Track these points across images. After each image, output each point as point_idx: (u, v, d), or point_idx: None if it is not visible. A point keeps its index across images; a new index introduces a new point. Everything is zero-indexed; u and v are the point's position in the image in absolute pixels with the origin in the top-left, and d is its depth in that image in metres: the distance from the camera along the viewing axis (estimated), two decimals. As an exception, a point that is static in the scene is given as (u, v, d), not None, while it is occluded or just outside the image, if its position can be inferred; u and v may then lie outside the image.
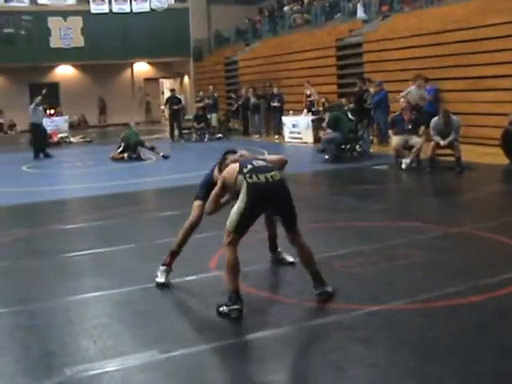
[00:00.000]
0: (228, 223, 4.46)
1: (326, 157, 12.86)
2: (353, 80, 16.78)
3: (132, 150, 15.08)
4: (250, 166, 4.48)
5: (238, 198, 4.49)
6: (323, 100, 17.26)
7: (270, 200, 4.48)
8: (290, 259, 5.50)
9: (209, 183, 5.12)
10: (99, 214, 8.47)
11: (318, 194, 9.84)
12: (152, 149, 15.32)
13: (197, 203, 5.18)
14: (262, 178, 4.41)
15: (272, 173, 4.47)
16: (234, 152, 5.04)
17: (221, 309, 4.37)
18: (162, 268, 5.19)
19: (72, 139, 21.96)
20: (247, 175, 4.43)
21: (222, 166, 4.94)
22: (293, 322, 4.23)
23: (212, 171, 5.21)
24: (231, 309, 4.34)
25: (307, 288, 4.90)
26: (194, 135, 20.24)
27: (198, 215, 5.15)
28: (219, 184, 4.67)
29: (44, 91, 16.92)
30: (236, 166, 4.59)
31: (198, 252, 6.09)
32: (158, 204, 9.53)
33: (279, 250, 5.62)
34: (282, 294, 4.90)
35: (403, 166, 11.03)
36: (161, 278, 5.14)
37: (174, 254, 5.24)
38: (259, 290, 4.93)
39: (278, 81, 21.14)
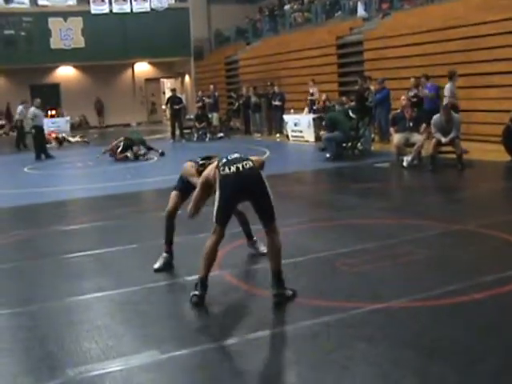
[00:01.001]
0: (213, 214, 4.64)
1: (328, 155, 12.86)
2: (354, 78, 16.80)
3: (137, 147, 15.16)
4: (224, 160, 4.64)
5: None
6: (324, 97, 17.25)
7: (242, 188, 4.55)
8: (264, 249, 5.50)
9: (184, 180, 5.53)
10: (100, 215, 8.48)
11: (319, 192, 9.84)
12: (150, 148, 15.47)
13: (173, 194, 5.64)
14: (233, 168, 4.55)
15: (244, 162, 4.58)
16: (209, 158, 5.24)
17: (191, 293, 4.60)
18: (164, 255, 5.57)
19: (70, 139, 22.02)
20: (221, 168, 4.58)
21: (202, 170, 5.05)
22: (294, 321, 4.23)
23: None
24: (192, 294, 4.59)
25: (308, 286, 4.90)
26: (196, 135, 20.25)
27: (172, 205, 5.58)
28: (199, 187, 4.85)
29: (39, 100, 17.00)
30: (214, 165, 4.73)
31: (201, 251, 6.08)
32: (159, 204, 9.47)
33: (254, 238, 5.81)
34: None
35: (404, 164, 11.01)
36: (157, 263, 5.51)
37: (168, 242, 5.61)
38: (260, 289, 4.92)
39: (278, 79, 21.14)
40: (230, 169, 4.54)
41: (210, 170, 4.80)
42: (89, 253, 6.39)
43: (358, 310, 4.32)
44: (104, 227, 7.72)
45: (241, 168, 4.54)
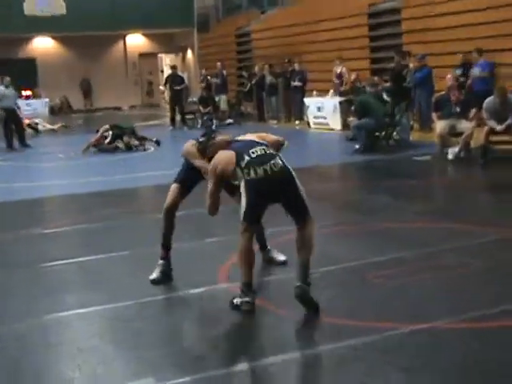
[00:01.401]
0: (240, 213, 4.73)
1: (357, 146, 12.83)
2: (389, 54, 16.74)
3: (128, 137, 15.20)
4: (247, 158, 4.72)
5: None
6: (353, 77, 17.21)
7: (273, 194, 4.73)
8: (282, 258, 5.81)
9: (187, 165, 5.54)
10: (86, 216, 8.51)
11: (346, 190, 9.82)
12: (143, 138, 15.52)
13: (173, 187, 5.61)
14: (260, 171, 4.65)
15: (272, 161, 4.71)
16: (213, 133, 5.35)
17: (235, 300, 4.77)
18: (160, 262, 5.58)
19: (44, 126, 21.46)
20: (245, 171, 4.69)
21: (207, 150, 5.17)
22: (315, 343, 4.23)
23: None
24: (242, 301, 4.73)
25: (333, 302, 4.89)
26: (200, 121, 20.29)
27: (172, 200, 5.56)
28: (214, 180, 4.89)
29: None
30: (231, 155, 4.80)
31: (206, 260, 6.10)
32: (155, 204, 9.51)
33: (269, 247, 5.88)
34: (302, 309, 4.87)
35: (450, 157, 10.97)
36: (153, 274, 5.52)
37: (166, 246, 5.62)
38: (276, 306, 4.92)
39: (299, 55, 21.12)
40: (256, 172, 4.66)
41: (225, 162, 4.81)
42: (71, 261, 6.41)
43: (393, 331, 4.30)
44: (90, 230, 7.74)
45: (269, 171, 4.67)
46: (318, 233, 6.78)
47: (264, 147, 4.85)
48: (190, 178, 5.55)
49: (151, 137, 15.83)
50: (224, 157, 4.87)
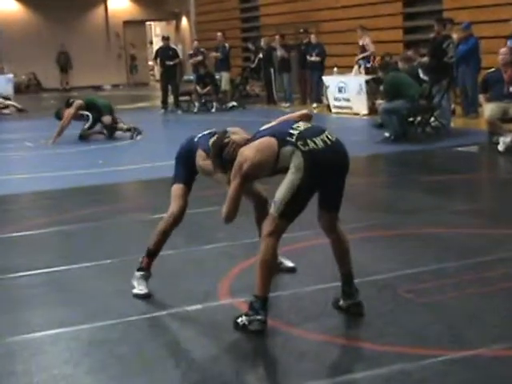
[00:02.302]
0: (273, 206, 4.70)
1: (387, 134, 12.83)
2: (427, 22, 16.69)
3: (108, 117, 15.14)
4: (295, 132, 4.68)
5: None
6: (382, 53, 17.21)
7: (334, 168, 4.77)
8: (290, 264, 5.92)
9: (184, 157, 5.52)
10: (58, 217, 8.52)
11: (374, 187, 9.82)
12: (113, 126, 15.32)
13: (177, 188, 5.56)
14: (319, 142, 4.67)
15: (326, 132, 4.77)
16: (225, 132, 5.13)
17: (239, 320, 4.77)
18: (138, 274, 5.59)
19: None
20: (299, 143, 4.63)
21: (223, 151, 4.95)
22: (339, 372, 4.22)
23: (191, 141, 5.55)
24: (252, 319, 4.71)
25: (360, 323, 4.89)
26: (197, 103, 20.30)
27: (181, 206, 5.51)
28: (239, 180, 4.74)
29: None
30: (267, 142, 4.70)
31: (205, 271, 6.11)
32: (141, 202, 9.56)
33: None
34: (321, 330, 4.88)
35: (501, 148, 10.95)
36: (139, 288, 5.53)
37: (152, 255, 5.62)
38: (289, 324, 4.93)
39: (316, 25, 21.11)
40: (315, 143, 4.65)
41: (252, 152, 4.70)
42: (41, 271, 6.40)
43: (432, 359, 4.28)
44: (64, 234, 7.75)
45: (329, 142, 4.71)
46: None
47: (303, 123, 4.86)
48: (191, 174, 5.56)
49: (128, 124, 15.50)
50: (254, 149, 4.72)
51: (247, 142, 4.90)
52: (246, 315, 4.76)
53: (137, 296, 5.51)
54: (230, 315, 4.96)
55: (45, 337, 4.99)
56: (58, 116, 15.21)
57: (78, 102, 15.28)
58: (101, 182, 10.50)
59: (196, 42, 22.77)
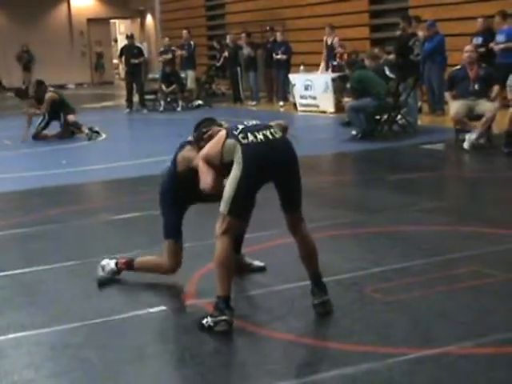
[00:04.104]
0: (222, 205, 4.81)
1: (354, 132, 12.86)
2: (393, 19, 16.77)
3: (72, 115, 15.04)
4: (240, 126, 4.88)
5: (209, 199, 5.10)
6: (349, 51, 17.26)
7: (273, 164, 4.81)
8: (259, 264, 5.95)
9: (174, 190, 5.47)
10: (21, 218, 8.45)
11: (340, 185, 9.84)
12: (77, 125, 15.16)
13: (172, 247, 5.54)
14: (259, 135, 4.80)
15: (271, 129, 4.89)
16: (212, 120, 5.40)
17: (204, 321, 4.77)
18: (112, 266, 5.79)
19: None
20: (240, 136, 4.80)
21: (202, 142, 5.18)
22: (306, 372, 4.22)
23: (174, 161, 5.50)
24: (217, 320, 4.73)
25: (326, 322, 4.89)
26: (162, 102, 20.23)
27: (174, 266, 5.57)
28: (202, 161, 4.96)
29: None
30: (221, 133, 4.93)
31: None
32: (106, 202, 9.50)
33: (243, 252, 5.92)
34: (288, 330, 4.87)
35: (466, 145, 11.01)
36: (102, 273, 5.79)
37: (131, 269, 5.76)
38: (255, 325, 4.92)
39: (282, 22, 21.13)
40: (255, 136, 4.78)
41: (213, 143, 4.92)
42: (3, 274, 6.36)
43: (398, 357, 4.29)
44: (27, 236, 7.69)
45: (270, 136, 4.82)
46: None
47: (261, 122, 5.01)
48: (182, 212, 5.58)
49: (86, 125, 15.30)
50: (212, 140, 4.98)
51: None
52: (212, 316, 4.76)
53: (99, 281, 5.77)
54: (196, 317, 4.93)
55: (6, 341, 4.94)
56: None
57: (52, 94, 15.13)
58: (64, 183, 10.42)
59: (167, 39, 22.61)
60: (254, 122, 4.99)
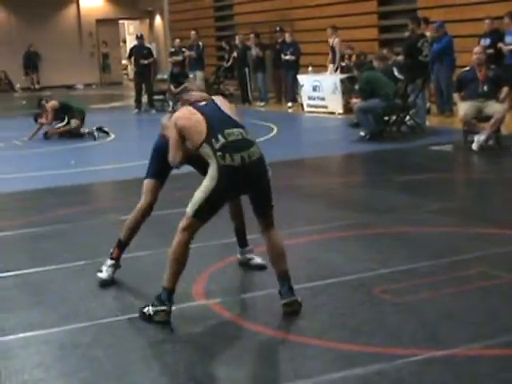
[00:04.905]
0: (189, 205, 5.00)
1: (362, 133, 12.84)
2: (402, 20, 16.74)
3: (77, 121, 15.14)
4: (221, 140, 4.93)
5: (201, 167, 5.18)
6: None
7: (246, 185, 5.05)
8: (259, 261, 6.02)
9: (160, 151, 5.58)
10: (31, 218, 8.47)
11: (349, 187, 9.82)
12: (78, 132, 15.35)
13: (148, 183, 5.79)
14: (237, 159, 4.91)
15: (251, 149, 5.00)
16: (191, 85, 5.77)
17: (146, 309, 5.00)
18: (109, 262, 5.85)
19: None
20: (218, 154, 4.90)
21: (178, 100, 5.52)
22: (314, 373, 4.21)
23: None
24: (157, 310, 4.95)
25: (334, 323, 4.89)
26: (171, 103, 20.20)
27: (150, 200, 5.76)
28: (174, 130, 5.13)
29: None
30: (201, 120, 5.01)
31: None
32: (115, 203, 9.51)
33: (249, 247, 6.11)
34: (296, 331, 4.88)
35: (474, 147, 10.99)
36: (104, 274, 5.82)
37: (123, 246, 5.88)
38: (262, 326, 4.92)
39: (291, 23, 21.10)
40: (232, 159, 4.89)
41: (188, 118, 5.08)
42: (13, 274, 6.37)
43: (407, 358, 4.29)
44: (36, 236, 7.70)
45: (247, 159, 4.93)
46: (314, 238, 6.85)
47: (241, 130, 5.08)
48: (163, 168, 5.67)
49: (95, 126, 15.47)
50: (189, 116, 5.09)
51: (202, 100, 5.27)
52: (153, 305, 4.96)
53: (99, 281, 5.79)
54: (205, 317, 4.94)
55: (15, 340, 4.95)
56: (36, 120, 15.31)
57: (52, 103, 15.27)
58: (73, 183, 10.44)
59: (178, 40, 22.61)
60: (236, 137, 4.99)
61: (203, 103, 5.23)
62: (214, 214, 5.06)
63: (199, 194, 4.95)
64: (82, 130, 15.23)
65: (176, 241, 4.99)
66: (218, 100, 5.36)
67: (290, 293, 5.05)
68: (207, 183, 4.94)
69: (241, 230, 6.05)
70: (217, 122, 5.04)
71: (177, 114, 5.23)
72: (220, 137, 4.94)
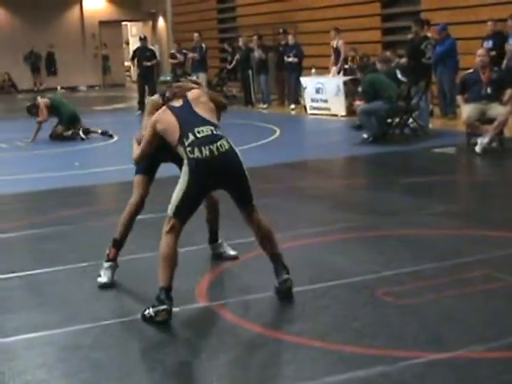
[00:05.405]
0: (169, 207, 5.19)
1: (365, 136, 12.84)
2: (405, 23, 16.74)
3: (68, 125, 15.19)
4: (191, 137, 5.15)
5: (178, 163, 5.41)
6: (360, 54, 17.24)
7: (218, 177, 5.20)
8: (232, 253, 6.34)
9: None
10: (34, 219, 8.48)
11: (352, 189, 9.83)
12: (87, 132, 15.44)
13: (137, 178, 6.01)
14: (205, 151, 5.10)
15: (218, 143, 5.17)
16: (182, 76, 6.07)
17: (146, 312, 5.01)
18: (106, 264, 5.88)
19: None
20: (188, 149, 5.13)
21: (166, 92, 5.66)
22: (318, 375, 4.21)
23: None
24: (158, 310, 4.96)
25: (337, 325, 4.89)
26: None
27: (141, 194, 5.93)
28: (150, 130, 5.39)
29: None
30: (175, 125, 5.21)
31: (181, 274, 6.05)
32: (119, 204, 9.46)
33: (220, 241, 6.37)
34: (299, 332, 4.87)
35: (478, 149, 10.98)
36: (103, 277, 5.83)
37: (118, 245, 5.92)
38: (266, 328, 4.93)
39: (294, 25, 21.11)
40: (201, 152, 5.09)
41: (165, 123, 5.27)
42: (17, 275, 6.37)
43: (410, 360, 4.29)
44: (39, 237, 7.71)
45: (215, 151, 5.11)
46: (317, 240, 6.84)
47: (211, 127, 5.24)
48: (151, 165, 5.90)
49: (96, 128, 15.60)
50: (167, 121, 5.27)
51: (181, 96, 5.43)
52: (153, 307, 4.98)
53: (99, 285, 5.79)
54: (207, 318, 4.94)
55: (18, 341, 4.96)
56: (30, 112, 15.40)
57: (45, 100, 15.42)
58: (77, 185, 10.45)
59: (176, 45, 22.64)
60: (205, 133, 5.17)
61: (179, 105, 5.39)
62: (194, 210, 5.23)
63: (175, 193, 5.16)
64: (65, 134, 15.28)
65: (162, 244, 5.15)
66: (192, 95, 5.47)
67: (285, 272, 5.26)
68: (181, 180, 5.16)
69: (213, 231, 6.28)
70: (187, 122, 5.22)
71: (156, 116, 5.40)
72: (190, 135, 5.14)
